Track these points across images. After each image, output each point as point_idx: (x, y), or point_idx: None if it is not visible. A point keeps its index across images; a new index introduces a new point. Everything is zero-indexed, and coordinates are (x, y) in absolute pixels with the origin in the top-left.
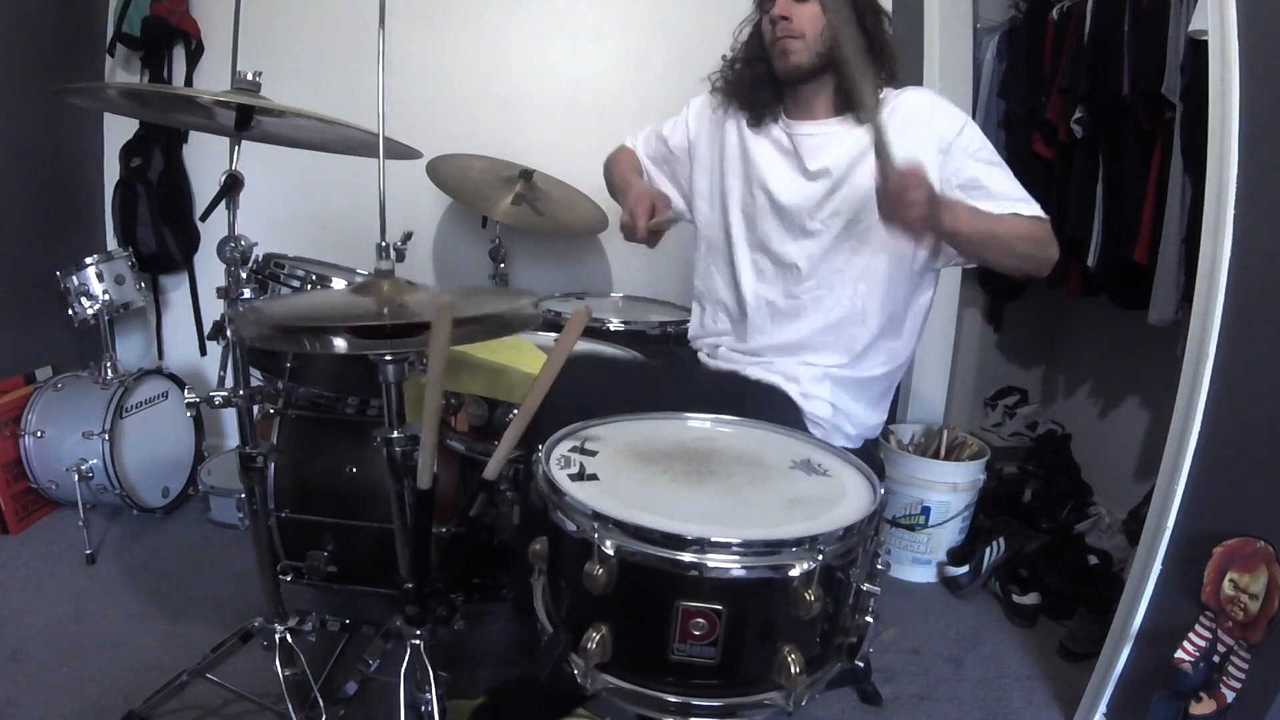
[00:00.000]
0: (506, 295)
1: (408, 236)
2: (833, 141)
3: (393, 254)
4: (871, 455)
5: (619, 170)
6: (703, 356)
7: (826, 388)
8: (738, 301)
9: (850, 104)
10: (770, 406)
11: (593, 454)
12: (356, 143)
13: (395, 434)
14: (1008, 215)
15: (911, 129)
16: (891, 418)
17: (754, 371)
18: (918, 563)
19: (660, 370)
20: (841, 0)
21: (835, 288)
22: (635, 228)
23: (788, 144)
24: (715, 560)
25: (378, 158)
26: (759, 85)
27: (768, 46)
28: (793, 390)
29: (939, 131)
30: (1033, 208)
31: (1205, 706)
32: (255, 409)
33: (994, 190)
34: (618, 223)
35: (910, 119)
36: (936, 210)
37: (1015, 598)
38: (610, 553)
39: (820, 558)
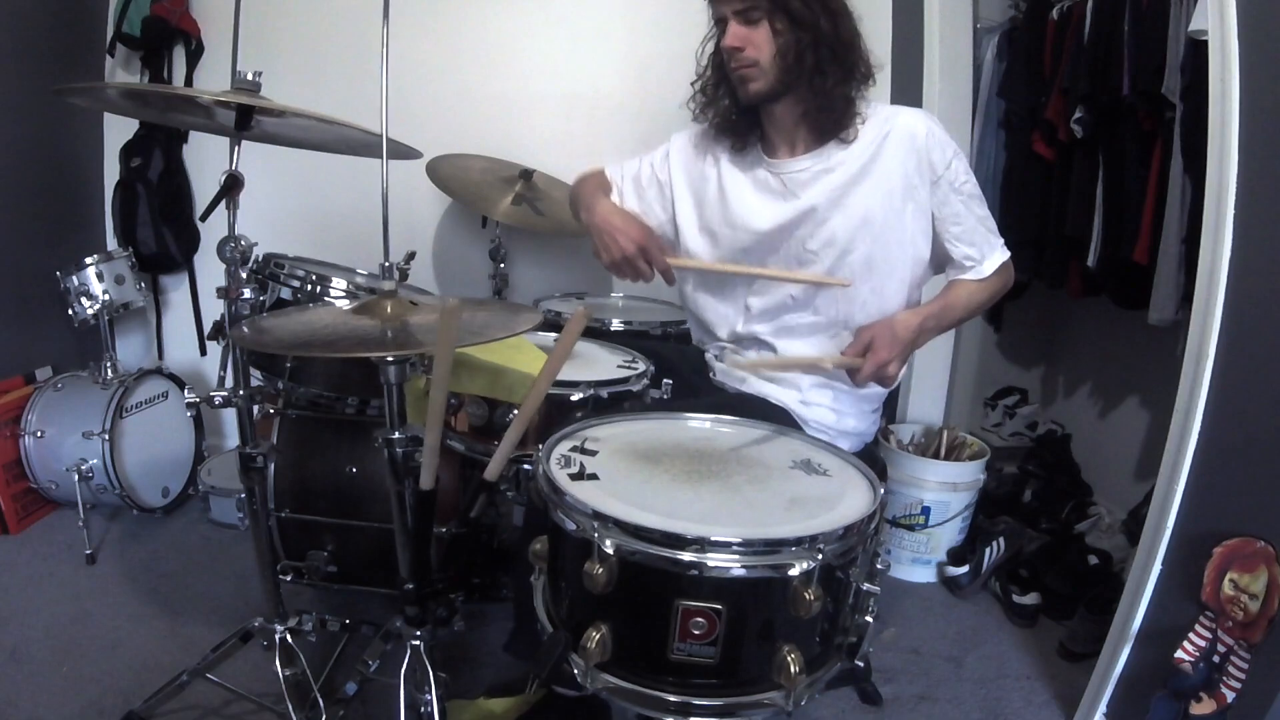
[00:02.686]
0: (509, 314)
1: (411, 256)
2: (821, 175)
3: (395, 274)
4: (874, 456)
5: (587, 187)
6: (709, 358)
7: (828, 395)
8: (732, 336)
9: (827, 125)
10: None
11: (593, 453)
12: (357, 143)
13: (396, 434)
14: (969, 285)
15: (904, 154)
16: (891, 418)
17: (756, 383)
18: (918, 563)
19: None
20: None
21: (831, 314)
22: (640, 266)
23: (775, 184)
24: (715, 559)
25: (378, 158)
26: (733, 111)
27: (729, 74)
28: (792, 399)
29: (931, 162)
30: (999, 248)
31: (1205, 706)
32: (255, 409)
33: (969, 228)
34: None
35: (904, 145)
36: (908, 351)
37: (1015, 598)
38: (610, 552)
39: (820, 557)
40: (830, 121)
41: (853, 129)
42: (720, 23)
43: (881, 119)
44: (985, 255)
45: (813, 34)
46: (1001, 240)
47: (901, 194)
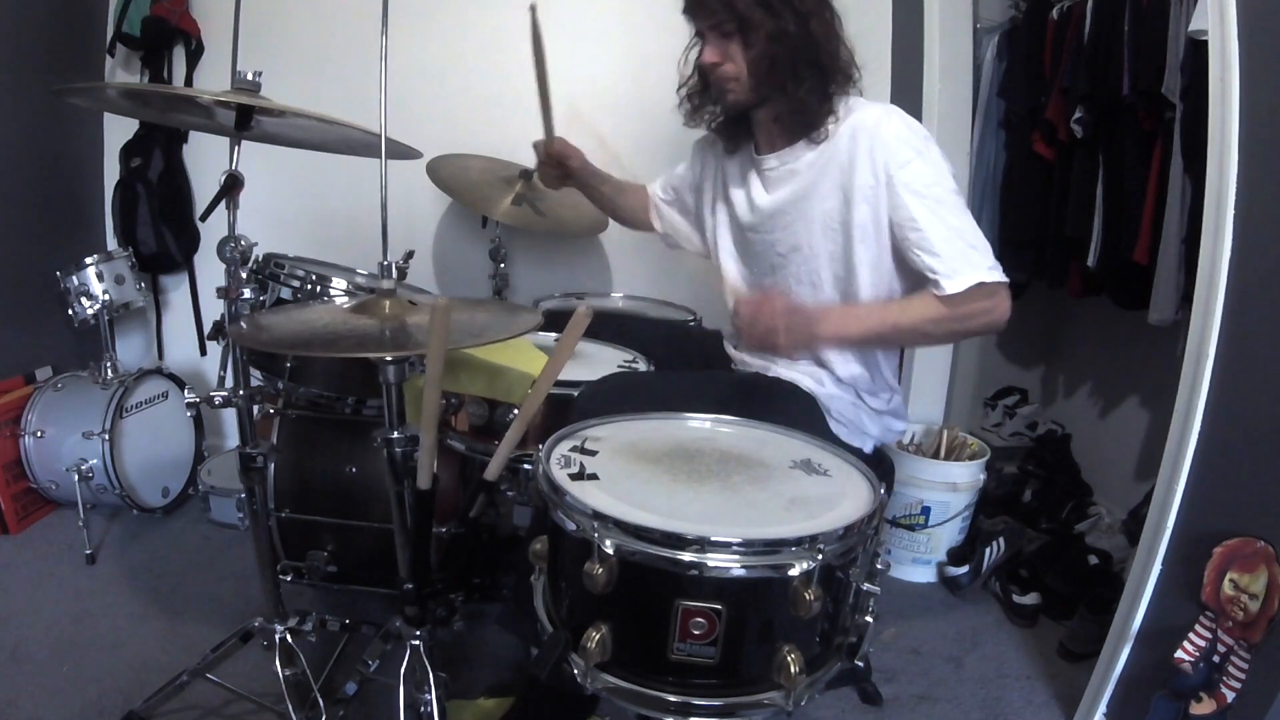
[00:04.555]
0: (508, 314)
1: (409, 255)
2: (786, 174)
3: (394, 273)
4: (883, 456)
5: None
6: (728, 346)
7: (850, 393)
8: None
9: (798, 126)
10: (793, 405)
11: (593, 453)
12: (357, 143)
13: (395, 434)
14: (919, 300)
15: (860, 152)
16: None
17: (777, 370)
18: (918, 563)
19: (680, 376)
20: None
21: None
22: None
23: (756, 182)
24: (715, 560)
25: (378, 158)
26: (720, 115)
27: (711, 85)
28: (818, 389)
29: (880, 160)
30: (979, 268)
31: (1205, 706)
32: (255, 409)
33: (935, 236)
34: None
35: (859, 142)
36: (809, 328)
37: (1015, 598)
38: (610, 552)
39: (820, 557)
40: (801, 122)
41: (823, 129)
42: (699, 36)
43: (845, 118)
44: (955, 270)
45: (783, 42)
46: (990, 263)
47: (857, 197)
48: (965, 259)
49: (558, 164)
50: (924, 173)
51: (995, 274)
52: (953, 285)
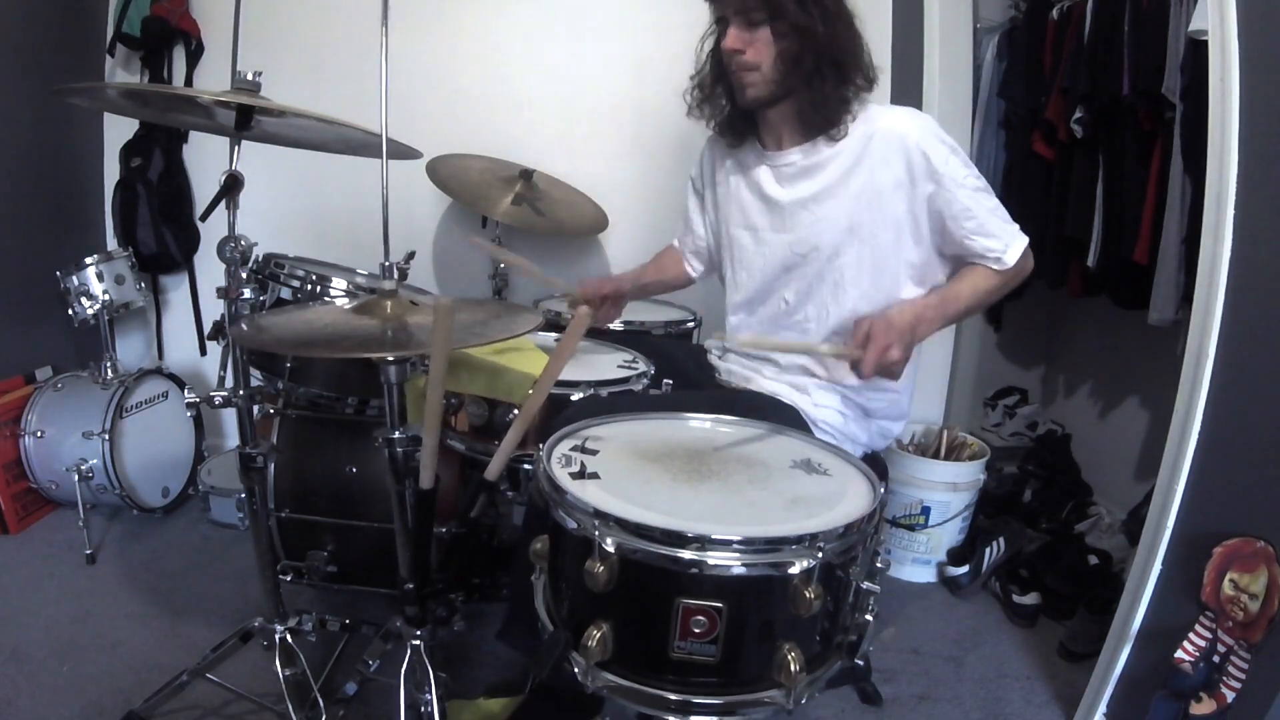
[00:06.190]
0: (509, 314)
1: (410, 256)
2: (805, 171)
3: (395, 273)
4: (876, 456)
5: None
6: (713, 359)
7: (836, 399)
8: (730, 331)
9: (818, 122)
10: (779, 420)
11: (593, 452)
12: (357, 143)
13: (396, 434)
14: (977, 275)
15: (891, 156)
16: None
17: (763, 382)
18: (918, 563)
19: (664, 396)
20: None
21: (823, 321)
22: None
23: (771, 178)
24: (716, 558)
25: (378, 158)
26: (730, 109)
27: (728, 75)
28: (803, 403)
29: (929, 163)
30: (1018, 235)
31: (1205, 706)
32: (255, 409)
33: (984, 220)
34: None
35: (891, 146)
36: (910, 341)
37: (1015, 598)
38: (611, 550)
39: (820, 556)
40: (822, 119)
41: (842, 127)
42: (720, 22)
43: (868, 120)
44: (1008, 245)
45: (812, 38)
46: (1017, 226)
47: (888, 197)
48: (1009, 234)
49: (611, 300)
50: (960, 166)
51: (1024, 235)
52: (1010, 257)
